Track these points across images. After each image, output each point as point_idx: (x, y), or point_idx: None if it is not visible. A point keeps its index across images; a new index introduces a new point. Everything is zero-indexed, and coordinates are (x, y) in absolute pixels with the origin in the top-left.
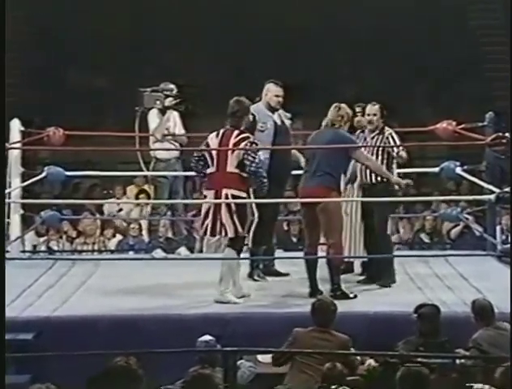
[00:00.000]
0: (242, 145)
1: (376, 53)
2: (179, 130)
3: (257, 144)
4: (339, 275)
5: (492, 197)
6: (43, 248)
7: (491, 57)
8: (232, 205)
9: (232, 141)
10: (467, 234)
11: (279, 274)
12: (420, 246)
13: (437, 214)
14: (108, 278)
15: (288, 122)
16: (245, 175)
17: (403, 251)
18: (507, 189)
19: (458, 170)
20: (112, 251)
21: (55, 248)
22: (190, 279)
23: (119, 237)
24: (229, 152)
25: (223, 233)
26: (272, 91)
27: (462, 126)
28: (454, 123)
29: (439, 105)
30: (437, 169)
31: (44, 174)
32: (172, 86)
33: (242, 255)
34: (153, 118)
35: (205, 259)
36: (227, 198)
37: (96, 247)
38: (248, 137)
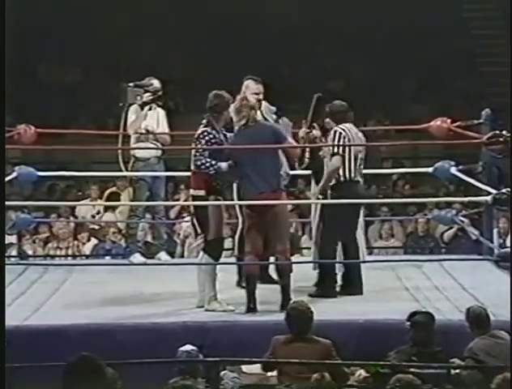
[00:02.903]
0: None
1: (365, 48)
2: (162, 128)
3: (204, 137)
4: (290, 285)
5: (488, 198)
6: (14, 252)
7: (486, 51)
8: (191, 207)
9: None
10: (462, 238)
11: (273, 281)
12: (413, 250)
13: (431, 216)
14: (83, 285)
15: (272, 118)
16: (198, 172)
17: (396, 256)
18: (504, 190)
19: (453, 170)
20: (86, 256)
21: (29, 252)
22: (171, 285)
23: (94, 241)
24: (192, 150)
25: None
26: (250, 89)
27: (458, 123)
28: (448, 121)
29: (432, 102)
30: (430, 169)
31: (14, 175)
32: (153, 81)
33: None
34: (130, 115)
35: (186, 264)
36: (190, 198)
37: (69, 252)
38: (202, 132)
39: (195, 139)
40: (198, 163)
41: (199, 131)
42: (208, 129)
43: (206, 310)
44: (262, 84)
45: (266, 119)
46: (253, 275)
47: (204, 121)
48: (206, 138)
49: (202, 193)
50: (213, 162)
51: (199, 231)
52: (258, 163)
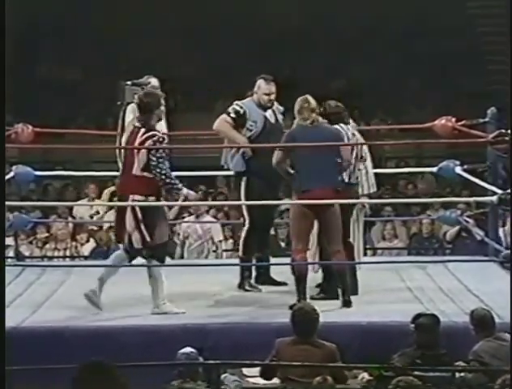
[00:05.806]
0: (147, 144)
1: (365, 48)
2: (160, 127)
3: (162, 142)
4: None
5: (494, 198)
6: (11, 253)
7: (490, 49)
8: (139, 212)
9: (138, 140)
10: (466, 238)
11: (275, 283)
12: (417, 251)
13: (435, 217)
14: (81, 287)
15: (281, 117)
16: (152, 177)
17: (400, 257)
18: (509, 190)
19: (458, 170)
20: (85, 258)
21: (26, 253)
22: (170, 286)
23: (93, 242)
24: (135, 154)
25: (127, 242)
26: (262, 89)
27: (462, 122)
28: (453, 120)
29: (434, 102)
30: (435, 169)
31: (11, 174)
32: (151, 80)
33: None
34: (128, 113)
35: (185, 266)
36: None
37: (67, 253)
38: (154, 135)
39: (155, 141)
40: (159, 170)
41: (148, 134)
42: (157, 132)
43: (158, 314)
44: (275, 84)
45: (278, 120)
46: (304, 273)
47: (137, 123)
48: (163, 144)
49: (151, 199)
50: (177, 182)
51: (148, 239)
52: (318, 161)
